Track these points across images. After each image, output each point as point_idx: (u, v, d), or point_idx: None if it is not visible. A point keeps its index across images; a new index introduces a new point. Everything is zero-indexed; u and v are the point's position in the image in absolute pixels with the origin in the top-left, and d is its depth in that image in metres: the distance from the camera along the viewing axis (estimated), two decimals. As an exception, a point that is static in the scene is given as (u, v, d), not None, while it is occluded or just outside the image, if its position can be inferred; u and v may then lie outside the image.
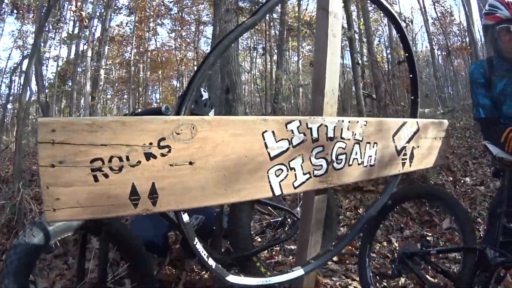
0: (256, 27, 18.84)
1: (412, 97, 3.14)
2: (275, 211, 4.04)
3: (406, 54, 3.02)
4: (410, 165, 2.95)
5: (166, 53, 30.51)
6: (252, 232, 3.79)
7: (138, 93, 28.99)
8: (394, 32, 23.03)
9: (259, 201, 3.61)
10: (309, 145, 2.24)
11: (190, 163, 1.81)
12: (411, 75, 3.05)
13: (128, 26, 26.13)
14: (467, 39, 18.28)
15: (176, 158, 1.78)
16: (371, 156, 2.63)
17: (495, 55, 2.91)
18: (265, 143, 2.07)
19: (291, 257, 4.33)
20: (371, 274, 3.54)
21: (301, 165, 2.20)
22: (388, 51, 21.27)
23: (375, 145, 2.65)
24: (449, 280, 3.10)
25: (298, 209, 3.79)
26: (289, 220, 3.90)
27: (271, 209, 4.07)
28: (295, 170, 2.18)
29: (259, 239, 4.49)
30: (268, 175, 2.08)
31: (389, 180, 3.17)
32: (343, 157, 2.44)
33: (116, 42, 27.07)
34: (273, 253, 4.52)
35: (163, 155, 1.75)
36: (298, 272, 2.46)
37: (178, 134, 1.78)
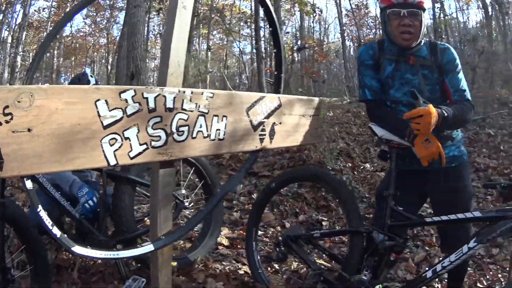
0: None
1: (275, 72, 3.18)
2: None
3: (271, 29, 3.05)
4: (271, 142, 2.97)
5: (80, 39, 30.03)
6: (139, 214, 3.80)
7: (51, 80, 28.32)
8: (306, 22, 23.59)
9: (140, 183, 3.56)
10: (145, 115, 2.23)
11: (29, 130, 1.87)
12: (275, 50, 3.09)
13: (45, 12, 25.55)
14: (380, 32, 18.90)
15: (17, 125, 1.84)
16: (219, 129, 2.62)
17: (386, 38, 2.94)
18: (98, 112, 2.06)
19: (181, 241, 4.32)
20: (259, 258, 3.60)
21: (136, 135, 2.19)
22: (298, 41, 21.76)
23: (225, 118, 2.65)
24: (338, 263, 3.17)
25: (183, 191, 3.78)
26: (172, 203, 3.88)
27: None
28: (130, 140, 2.17)
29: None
30: (101, 144, 2.08)
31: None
32: (185, 129, 2.43)
33: (33, 28, 26.54)
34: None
35: (7, 122, 1.82)
36: (148, 247, 2.43)
37: (19, 102, 1.84)
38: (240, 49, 17.75)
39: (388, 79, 2.91)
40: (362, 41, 20.72)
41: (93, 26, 29.39)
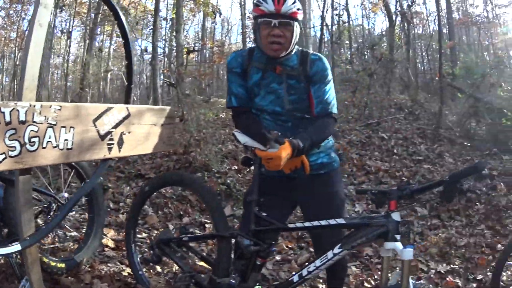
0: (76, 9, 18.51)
1: (126, 83, 3.31)
2: (43, 196, 3.98)
3: (123, 41, 3.17)
4: (120, 150, 3.15)
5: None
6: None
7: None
8: (207, 23, 23.77)
9: None
10: (3, 128, 2.40)
11: None
12: (126, 62, 3.21)
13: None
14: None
15: None
16: (67, 140, 2.77)
17: (256, 46, 2.96)
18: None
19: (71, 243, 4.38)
20: (138, 260, 3.70)
21: (-4, 146, 2.39)
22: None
23: (72, 129, 2.80)
24: (210, 266, 3.26)
25: (65, 194, 3.84)
26: (53, 205, 3.86)
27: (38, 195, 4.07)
28: (-10, 151, 2.37)
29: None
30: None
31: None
32: (36, 139, 2.58)
33: None
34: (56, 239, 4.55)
35: None
36: (16, 247, 2.58)
37: None
38: (140, 47, 17.65)
39: (254, 87, 2.96)
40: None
41: (6, 19, 28.30)
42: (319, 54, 2.99)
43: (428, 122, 11.97)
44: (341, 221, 2.62)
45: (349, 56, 12.87)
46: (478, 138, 10.95)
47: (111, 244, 4.58)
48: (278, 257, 4.78)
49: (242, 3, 22.43)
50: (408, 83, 15.90)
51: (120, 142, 3.13)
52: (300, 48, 3.00)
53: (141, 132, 3.31)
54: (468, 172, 2.48)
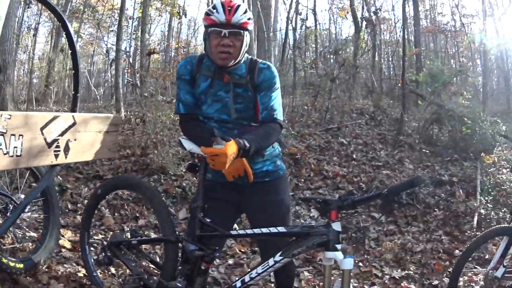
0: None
1: (73, 92, 3.46)
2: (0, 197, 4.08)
3: (70, 51, 3.29)
4: (66, 157, 3.33)
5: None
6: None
7: None
8: (174, 23, 23.81)
9: None
10: None
11: None
12: (74, 71, 3.35)
13: None
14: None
15: None
16: (16, 147, 2.95)
17: (206, 54, 3.00)
18: None
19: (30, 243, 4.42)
20: (93, 261, 3.77)
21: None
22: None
23: (21, 137, 2.97)
24: (158, 270, 3.31)
25: (21, 195, 3.88)
26: (10, 206, 3.89)
27: None
28: None
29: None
30: None
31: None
32: (-12, 147, 2.75)
33: None
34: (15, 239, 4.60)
35: None
36: None
37: None
38: (106, 45, 17.55)
39: (202, 95, 3.00)
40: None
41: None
42: (268, 63, 3.06)
43: (390, 128, 12.11)
44: (282, 229, 2.69)
45: (312, 60, 12.95)
46: (440, 144, 11.15)
47: (68, 245, 4.65)
48: (230, 261, 4.91)
49: (210, 3, 22.52)
50: (372, 88, 16.16)
51: (67, 149, 3.30)
52: (250, 57, 3.05)
53: (86, 140, 3.46)
54: (405, 186, 2.60)
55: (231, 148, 2.55)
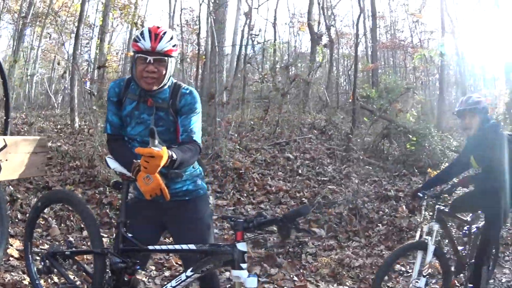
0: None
1: (5, 117, 3.75)
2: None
3: (1, 80, 3.53)
4: (-1, 176, 3.60)
5: None
6: None
7: None
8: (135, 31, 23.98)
9: None
10: None
11: None
12: (4, 99, 3.62)
13: None
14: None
15: None
16: None
17: (132, 78, 3.10)
18: None
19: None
20: (35, 270, 3.87)
21: None
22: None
23: None
24: (91, 279, 3.31)
25: None
26: None
27: None
28: None
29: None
30: None
31: None
32: None
33: None
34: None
35: None
36: None
37: None
38: (68, 52, 17.59)
39: (127, 117, 3.13)
40: (184, 56, 21.47)
41: None
42: (190, 88, 3.20)
43: (340, 142, 12.30)
44: (192, 246, 2.82)
45: (264, 74, 13.20)
46: (391, 159, 11.48)
47: (15, 254, 4.79)
48: (167, 273, 5.10)
49: (172, 14, 22.78)
50: (326, 103, 16.51)
51: (-1, 169, 3.57)
52: (175, 81, 3.19)
53: (17, 160, 3.73)
54: (295, 215, 2.75)
55: (165, 153, 2.63)
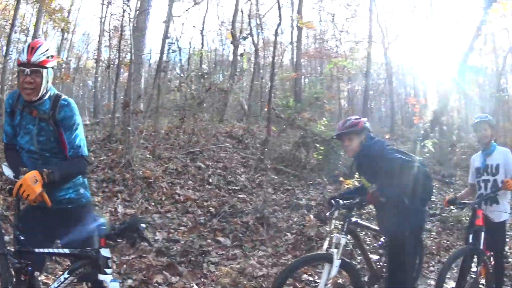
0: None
1: None
2: None
3: None
4: None
5: None
6: None
7: None
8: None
9: None
10: None
11: None
12: None
13: None
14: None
15: None
16: None
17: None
18: None
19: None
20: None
21: None
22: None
23: None
24: None
25: None
26: None
27: None
28: None
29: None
30: None
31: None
32: None
33: None
34: None
35: None
36: None
37: None
38: (3, 55, 17.22)
39: (17, 127, 3.33)
40: (112, 63, 21.36)
41: None
42: (69, 100, 3.35)
43: (256, 151, 12.39)
44: (66, 250, 3.03)
45: (179, 83, 13.29)
46: (308, 167, 11.65)
47: None
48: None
49: (103, 19, 22.66)
50: (246, 112, 16.76)
51: None
52: (56, 93, 3.36)
53: None
54: (131, 227, 2.89)
55: (29, 174, 2.87)
